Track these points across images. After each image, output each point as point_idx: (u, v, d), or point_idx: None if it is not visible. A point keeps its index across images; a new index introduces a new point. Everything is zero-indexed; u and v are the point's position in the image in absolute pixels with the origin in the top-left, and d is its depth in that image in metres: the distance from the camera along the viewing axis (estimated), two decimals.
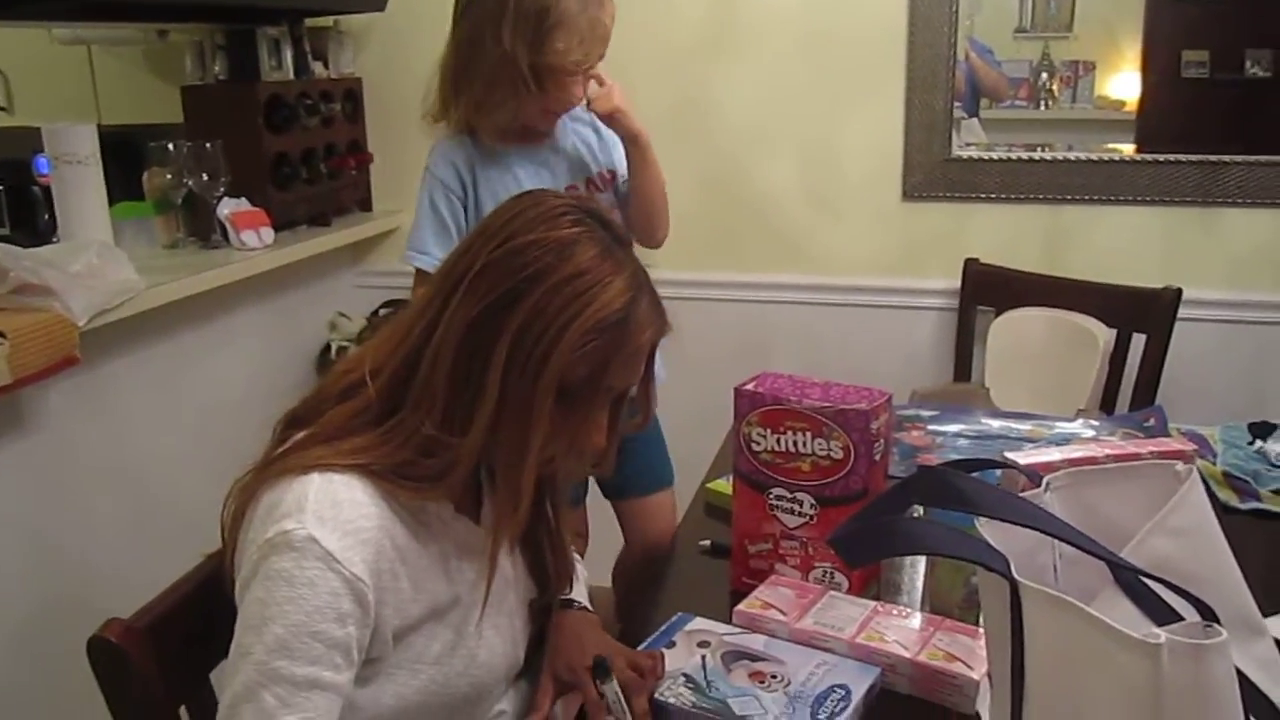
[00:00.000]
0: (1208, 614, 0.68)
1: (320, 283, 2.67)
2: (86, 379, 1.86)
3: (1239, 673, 0.70)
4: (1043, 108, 2.56)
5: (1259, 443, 1.71)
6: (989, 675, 0.84)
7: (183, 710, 1.07)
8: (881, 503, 0.82)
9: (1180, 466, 0.83)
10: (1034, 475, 0.88)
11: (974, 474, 0.84)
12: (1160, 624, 0.70)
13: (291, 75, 2.43)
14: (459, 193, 1.75)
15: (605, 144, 1.85)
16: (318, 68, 2.54)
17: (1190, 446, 1.36)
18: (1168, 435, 1.66)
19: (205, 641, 1.06)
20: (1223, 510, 1.56)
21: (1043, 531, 0.72)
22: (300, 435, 1.02)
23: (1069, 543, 0.72)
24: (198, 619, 1.07)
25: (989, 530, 0.76)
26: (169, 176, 2.19)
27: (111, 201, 2.02)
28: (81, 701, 1.09)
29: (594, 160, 1.83)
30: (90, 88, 2.51)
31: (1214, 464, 1.67)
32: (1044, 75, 2.54)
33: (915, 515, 0.89)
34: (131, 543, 1.98)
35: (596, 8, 1.63)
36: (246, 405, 2.30)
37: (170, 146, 2.18)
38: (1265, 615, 0.83)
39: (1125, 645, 0.65)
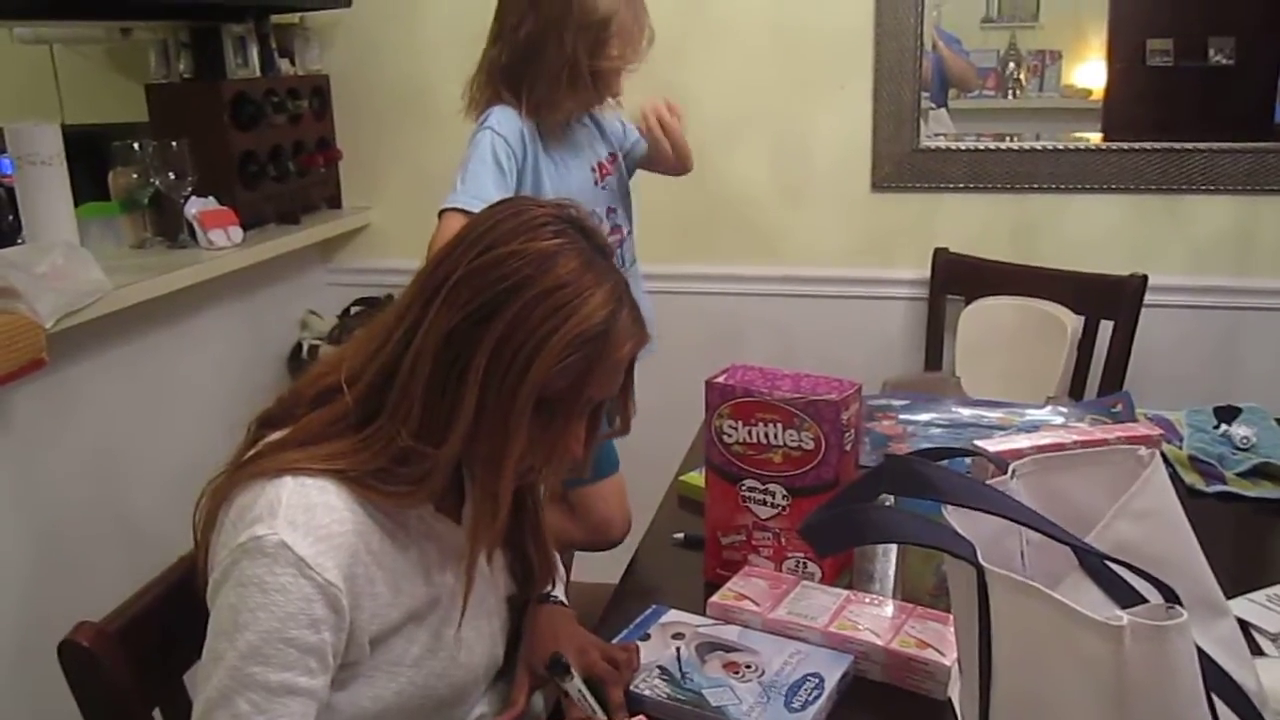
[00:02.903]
0: (1170, 596, 0.69)
1: (290, 281, 2.65)
2: (54, 381, 1.85)
3: (1202, 652, 0.71)
4: (1010, 97, 2.58)
5: (1224, 426, 1.73)
6: (960, 664, 0.85)
7: (156, 713, 1.07)
8: (850, 492, 0.82)
9: (1143, 451, 0.84)
10: (1000, 462, 0.89)
11: (943, 462, 0.85)
12: (1124, 606, 0.71)
13: (258, 72, 2.41)
14: (519, 156, 1.79)
15: (604, 129, 1.98)
16: (284, 65, 2.53)
17: (1156, 431, 1.38)
18: (1135, 420, 1.68)
19: (178, 643, 1.06)
20: (1189, 494, 1.58)
21: (1007, 518, 0.73)
22: (274, 437, 1.01)
23: (1032, 528, 0.73)
24: (170, 621, 1.07)
25: (956, 518, 0.77)
26: (135, 176, 2.17)
27: (77, 202, 2.00)
28: (55, 705, 1.08)
29: (605, 144, 1.96)
30: (53, 87, 2.48)
31: (1180, 448, 1.69)
32: (1011, 65, 2.56)
33: (886, 504, 0.89)
34: (103, 545, 1.97)
35: (644, 15, 1.79)
36: (218, 405, 2.29)
37: (136, 146, 2.16)
38: (1231, 596, 0.84)
39: (1088, 627, 0.66)
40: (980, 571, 0.72)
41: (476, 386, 0.94)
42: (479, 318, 0.94)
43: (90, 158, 2.16)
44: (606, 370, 1.00)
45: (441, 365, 0.95)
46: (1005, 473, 0.87)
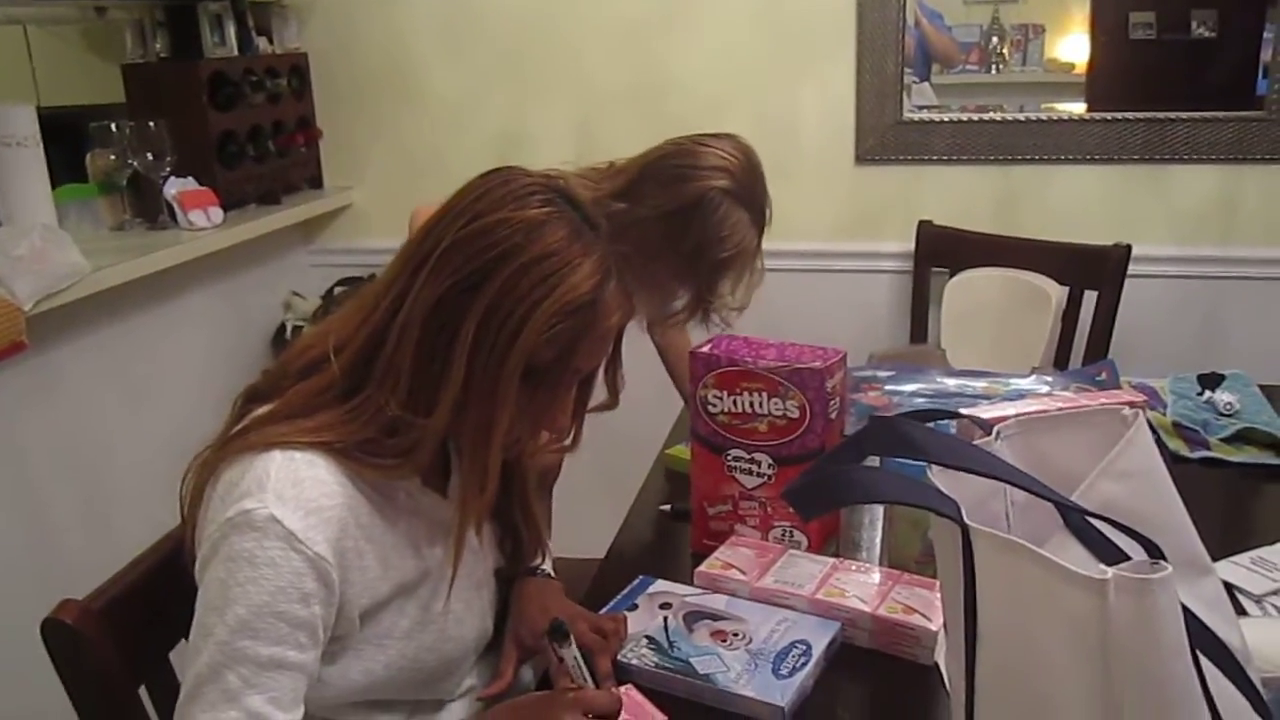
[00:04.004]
0: (1154, 552, 0.69)
1: (273, 262, 2.63)
2: (35, 364, 1.84)
3: (1186, 609, 0.71)
4: (993, 72, 2.57)
5: (1208, 393, 1.74)
6: (946, 625, 0.85)
7: (143, 691, 1.06)
8: (835, 455, 0.82)
9: (1127, 411, 0.83)
10: (985, 425, 0.88)
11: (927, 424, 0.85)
12: (1109, 564, 0.71)
13: (235, 51, 2.38)
14: None
15: None
16: (262, 43, 2.50)
17: (1140, 397, 1.38)
18: (1119, 388, 1.68)
19: (164, 621, 1.05)
20: (1173, 459, 1.58)
21: (991, 476, 0.73)
22: (261, 411, 1.00)
23: (1017, 486, 0.73)
24: (156, 598, 1.06)
25: (941, 480, 0.77)
26: (113, 157, 2.15)
27: (55, 184, 1.98)
28: (38, 686, 1.07)
29: None
30: (28, 68, 2.45)
31: (1164, 415, 1.69)
32: (994, 39, 2.55)
33: (871, 465, 0.89)
34: (86, 528, 1.96)
35: (760, 266, 1.59)
36: (201, 388, 2.28)
37: (113, 127, 2.14)
38: (1215, 560, 0.84)
39: (1073, 582, 0.66)
40: (965, 530, 0.72)
41: (464, 355, 0.93)
42: (467, 286, 0.93)
43: (67, 140, 2.14)
44: (594, 340, 1.00)
45: (429, 333, 0.94)
46: (989, 434, 0.87)
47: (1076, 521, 0.76)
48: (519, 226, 0.94)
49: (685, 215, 1.48)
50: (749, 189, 1.52)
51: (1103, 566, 0.66)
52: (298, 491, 0.93)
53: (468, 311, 0.93)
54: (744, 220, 1.50)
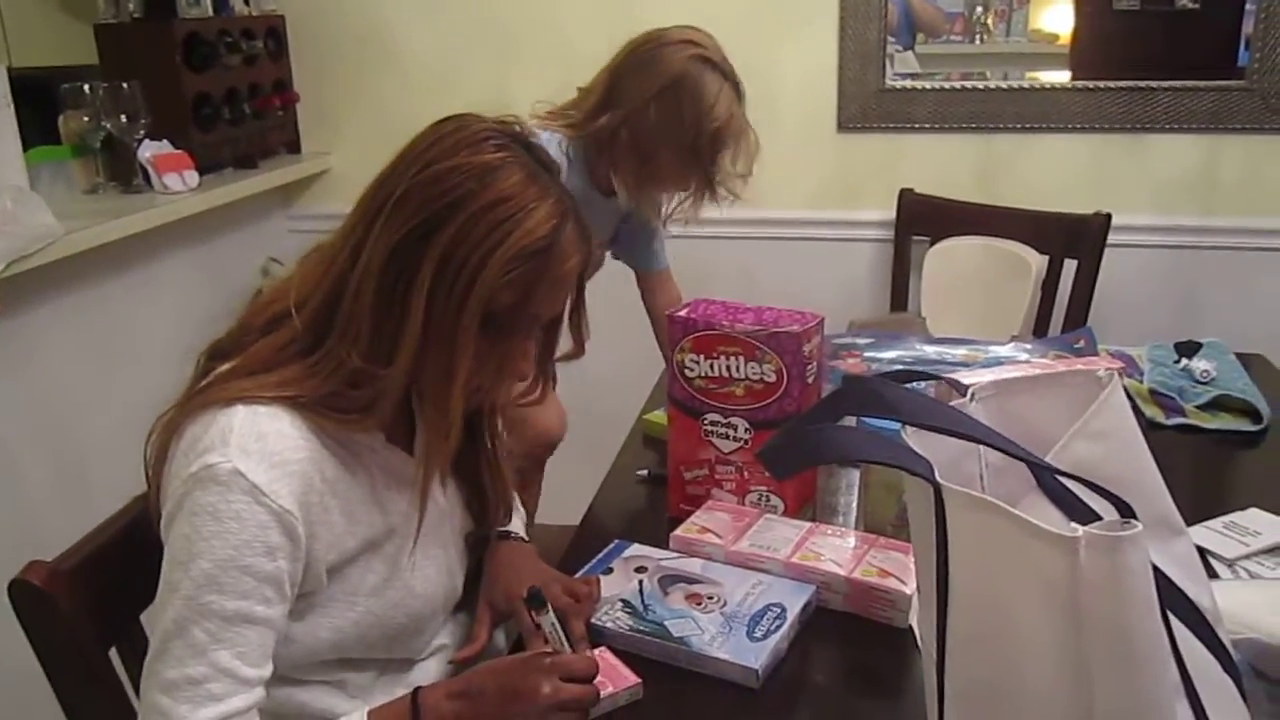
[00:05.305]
0: (1126, 511, 0.69)
1: (250, 227, 2.61)
2: (6, 328, 1.82)
3: (1157, 570, 0.71)
4: (978, 42, 2.56)
5: (1184, 361, 1.74)
6: (918, 586, 0.85)
7: (114, 654, 1.06)
8: (810, 414, 0.81)
9: (1102, 372, 0.83)
10: (961, 387, 0.88)
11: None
12: (1081, 525, 0.71)
13: (210, 12, 2.35)
14: None
15: (635, 240, 1.88)
16: (237, 4, 2.47)
17: (1117, 363, 1.39)
18: (1097, 355, 1.69)
19: (134, 582, 1.04)
20: (1149, 426, 1.59)
21: (964, 436, 0.73)
22: (224, 368, 1.00)
23: (990, 445, 0.72)
24: (126, 560, 1.05)
25: (915, 441, 0.77)
26: (86, 119, 2.12)
27: (26, 146, 1.95)
28: (9, 649, 1.07)
29: (610, 242, 1.85)
30: None
31: (1141, 382, 1.70)
32: (979, 9, 2.54)
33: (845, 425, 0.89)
34: (59, 494, 1.94)
35: (756, 144, 1.63)
36: (177, 354, 2.24)
37: (86, 88, 2.10)
38: (1188, 525, 0.85)
39: (1044, 540, 0.65)
40: (937, 489, 0.71)
41: (422, 302, 0.93)
42: (422, 233, 0.93)
43: (39, 101, 2.11)
44: (552, 285, 0.99)
45: (387, 282, 0.94)
46: (964, 396, 0.86)
47: (1050, 483, 0.76)
48: (472, 172, 0.94)
49: (672, 94, 1.54)
50: (721, 59, 1.59)
51: (1074, 524, 0.66)
52: (261, 445, 0.92)
53: (423, 259, 0.93)
54: (726, 88, 1.56)
